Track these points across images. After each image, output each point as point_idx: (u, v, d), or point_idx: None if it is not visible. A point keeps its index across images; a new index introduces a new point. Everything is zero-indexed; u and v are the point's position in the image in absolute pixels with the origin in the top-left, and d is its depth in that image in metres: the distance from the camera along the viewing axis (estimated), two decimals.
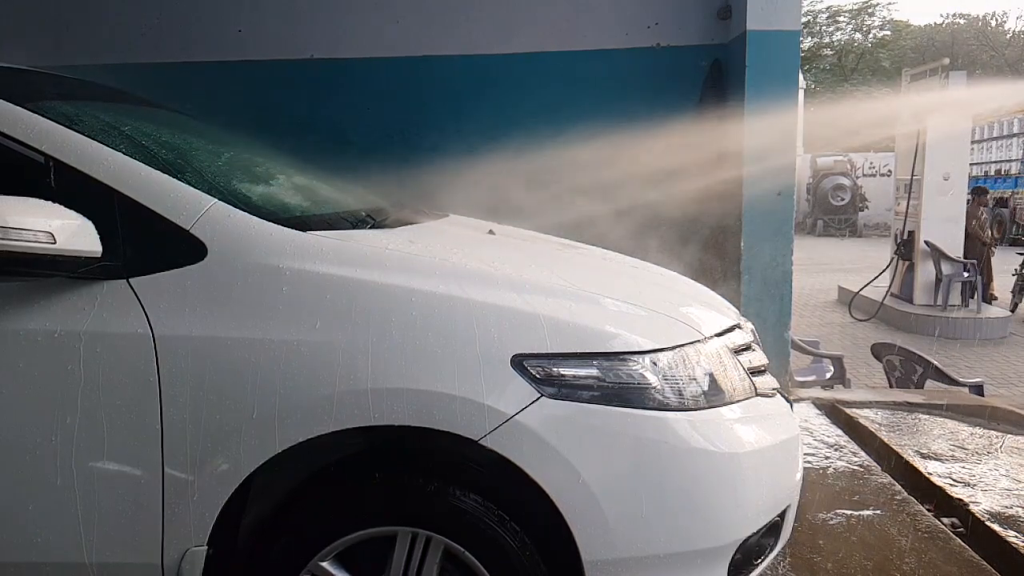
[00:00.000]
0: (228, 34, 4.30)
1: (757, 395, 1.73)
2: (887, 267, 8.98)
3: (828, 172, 21.26)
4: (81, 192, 1.51)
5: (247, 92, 4.27)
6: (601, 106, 4.06)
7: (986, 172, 19.94)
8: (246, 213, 1.59)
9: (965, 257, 8.82)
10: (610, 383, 1.52)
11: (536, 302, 1.56)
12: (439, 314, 1.52)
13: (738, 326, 1.91)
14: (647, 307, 1.71)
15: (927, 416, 3.86)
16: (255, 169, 2.17)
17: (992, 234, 10.57)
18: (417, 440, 1.53)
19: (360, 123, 4.25)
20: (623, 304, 1.69)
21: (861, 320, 8.58)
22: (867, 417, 3.78)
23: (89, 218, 1.47)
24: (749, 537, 1.61)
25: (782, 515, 1.74)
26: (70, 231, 1.43)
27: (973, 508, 2.69)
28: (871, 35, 32.36)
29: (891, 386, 5.04)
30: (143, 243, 1.53)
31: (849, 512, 2.73)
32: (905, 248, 8.99)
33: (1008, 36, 40.05)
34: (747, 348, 1.85)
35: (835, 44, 31.86)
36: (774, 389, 1.84)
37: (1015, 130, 19.85)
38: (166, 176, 1.58)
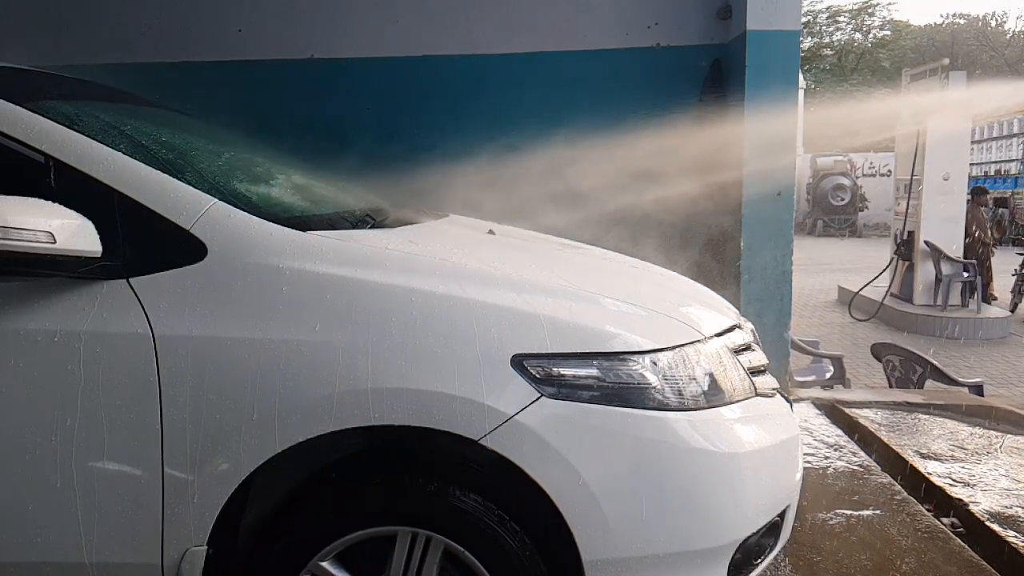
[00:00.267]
0: (228, 34, 4.30)
1: (757, 395, 1.73)
2: (887, 267, 8.98)
3: (828, 172, 21.28)
4: (81, 192, 1.51)
5: (247, 92, 4.26)
6: (601, 106, 4.06)
7: (986, 172, 19.97)
8: (246, 213, 1.59)
9: (965, 257, 8.83)
10: (610, 383, 1.52)
11: (536, 302, 1.56)
12: (439, 314, 1.52)
13: (738, 326, 1.91)
14: (647, 307, 1.71)
15: (927, 416, 3.86)
16: (255, 169, 2.17)
17: (992, 234, 10.57)
18: (417, 440, 1.53)
19: (360, 123, 4.25)
20: (623, 304, 1.69)
21: (861, 320, 8.58)
22: (867, 417, 3.78)
23: (89, 218, 1.47)
24: (749, 537, 1.61)
25: (782, 515, 1.74)
26: (70, 231, 1.43)
27: (973, 508, 2.69)
28: (871, 35, 32.40)
29: (891, 386, 5.03)
30: (143, 243, 1.53)
31: (849, 512, 2.73)
32: (905, 248, 9.00)
33: (1008, 36, 40.07)
34: (747, 348, 1.85)
35: (835, 44, 31.89)
36: (774, 389, 1.84)
37: (1015, 130, 19.89)
38: (166, 176, 1.58)
